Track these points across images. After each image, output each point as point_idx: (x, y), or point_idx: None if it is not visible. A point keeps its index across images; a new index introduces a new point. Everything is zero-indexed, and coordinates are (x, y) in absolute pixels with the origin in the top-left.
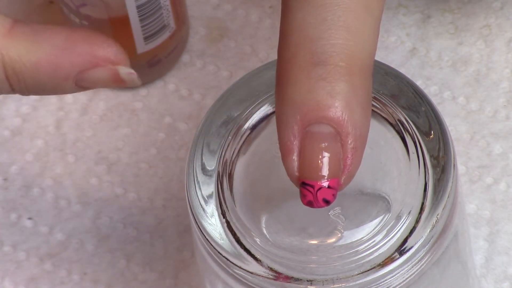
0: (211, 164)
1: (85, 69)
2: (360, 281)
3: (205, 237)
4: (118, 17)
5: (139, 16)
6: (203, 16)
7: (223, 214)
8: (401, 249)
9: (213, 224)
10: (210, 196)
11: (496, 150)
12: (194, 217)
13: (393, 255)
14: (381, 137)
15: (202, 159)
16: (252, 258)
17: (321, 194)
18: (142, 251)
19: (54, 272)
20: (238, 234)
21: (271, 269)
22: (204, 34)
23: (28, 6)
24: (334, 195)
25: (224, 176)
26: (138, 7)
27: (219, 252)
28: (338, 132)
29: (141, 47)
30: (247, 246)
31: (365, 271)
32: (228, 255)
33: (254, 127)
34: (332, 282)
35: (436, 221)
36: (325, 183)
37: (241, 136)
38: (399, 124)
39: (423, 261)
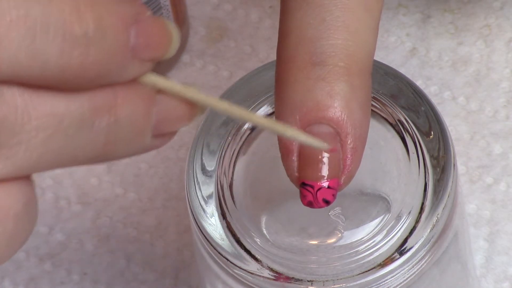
0: (211, 164)
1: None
2: (360, 281)
3: (205, 237)
4: None
5: None
6: (203, 16)
7: (223, 214)
8: (401, 249)
9: (213, 225)
10: (210, 197)
11: (496, 150)
12: (194, 217)
13: (393, 255)
14: (381, 137)
15: (202, 160)
16: (252, 259)
17: (321, 194)
18: (142, 251)
19: (54, 272)
20: (238, 235)
21: (271, 269)
22: (204, 34)
23: None
24: (334, 195)
25: (224, 177)
26: None
27: (219, 253)
28: (338, 132)
29: None
30: (247, 247)
31: (365, 271)
32: (228, 255)
33: (254, 127)
34: (333, 282)
35: (436, 221)
36: (325, 183)
37: (241, 137)
38: (399, 124)
39: (423, 261)
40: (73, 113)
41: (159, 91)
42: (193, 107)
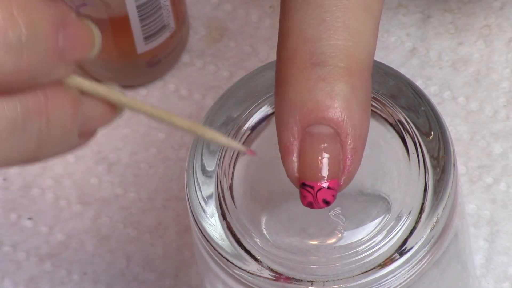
0: (211, 164)
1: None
2: (361, 281)
3: (205, 237)
4: (118, 17)
5: (139, 16)
6: (203, 16)
7: (223, 214)
8: (401, 250)
9: (213, 225)
10: (210, 197)
11: (496, 150)
12: (194, 217)
13: (393, 256)
14: (381, 137)
15: (202, 160)
16: (252, 259)
17: (321, 194)
18: (142, 251)
19: (54, 272)
20: (238, 235)
21: (271, 269)
22: (204, 34)
23: None
24: (334, 196)
25: (224, 177)
26: (138, 7)
27: (219, 253)
28: (338, 132)
29: (141, 47)
30: (247, 247)
31: (366, 272)
32: (228, 255)
33: (254, 127)
34: (333, 283)
35: (436, 221)
36: (325, 184)
37: (241, 137)
38: (399, 125)
39: (423, 262)
40: (7, 115)
41: (82, 92)
42: (114, 106)
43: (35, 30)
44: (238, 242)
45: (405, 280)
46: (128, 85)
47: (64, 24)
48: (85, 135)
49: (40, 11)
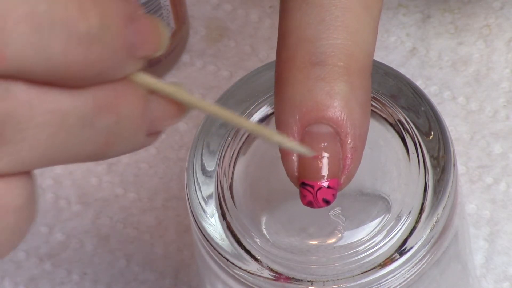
0: (211, 164)
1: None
2: (361, 281)
3: (205, 237)
4: None
5: None
6: (203, 16)
7: (223, 214)
8: (401, 250)
9: (213, 225)
10: (210, 197)
11: (496, 150)
12: (194, 217)
13: (393, 256)
14: (381, 137)
15: (202, 160)
16: (252, 259)
17: (321, 194)
18: (142, 251)
19: (54, 272)
20: (238, 235)
21: (271, 269)
22: (204, 34)
23: None
24: (334, 195)
25: (224, 177)
26: None
27: (219, 253)
28: (338, 132)
29: None
30: (247, 247)
31: (366, 272)
32: (228, 255)
33: None
34: (333, 283)
35: (436, 221)
36: (325, 183)
37: (241, 137)
38: (399, 124)
39: (423, 262)
40: (77, 110)
41: (149, 90)
42: (181, 106)
43: (106, 23)
44: (238, 242)
45: (405, 280)
46: None
47: (134, 20)
48: (153, 134)
49: (111, 5)
